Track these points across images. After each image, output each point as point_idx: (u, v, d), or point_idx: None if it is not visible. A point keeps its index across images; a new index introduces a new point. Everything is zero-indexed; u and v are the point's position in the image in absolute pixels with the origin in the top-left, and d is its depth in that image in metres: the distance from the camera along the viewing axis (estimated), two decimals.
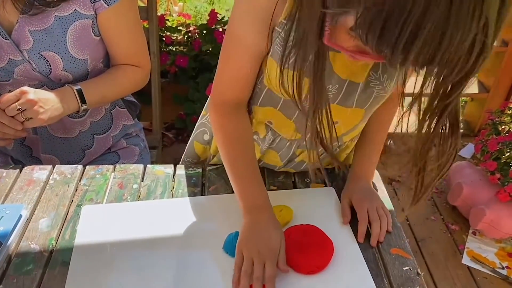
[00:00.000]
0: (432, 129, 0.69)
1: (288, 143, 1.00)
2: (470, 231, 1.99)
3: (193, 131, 1.17)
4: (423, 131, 0.69)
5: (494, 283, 1.78)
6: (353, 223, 0.94)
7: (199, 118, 1.16)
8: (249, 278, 0.79)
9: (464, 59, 0.54)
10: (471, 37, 0.52)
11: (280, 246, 0.84)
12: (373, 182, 1.05)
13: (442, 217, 2.10)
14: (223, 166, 1.08)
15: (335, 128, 0.79)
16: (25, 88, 0.99)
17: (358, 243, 0.91)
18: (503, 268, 1.82)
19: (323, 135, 0.78)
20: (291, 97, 0.77)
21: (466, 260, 1.87)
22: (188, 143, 1.19)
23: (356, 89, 0.86)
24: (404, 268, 0.87)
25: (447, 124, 0.69)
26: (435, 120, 0.68)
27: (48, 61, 1.05)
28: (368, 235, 0.93)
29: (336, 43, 0.64)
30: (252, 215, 0.88)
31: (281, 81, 0.78)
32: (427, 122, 0.68)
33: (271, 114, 0.96)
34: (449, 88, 0.63)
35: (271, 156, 1.05)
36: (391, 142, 2.56)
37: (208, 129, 1.13)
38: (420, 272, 0.86)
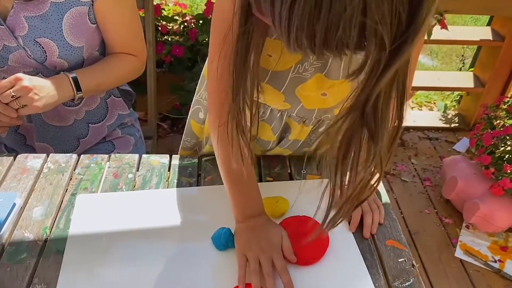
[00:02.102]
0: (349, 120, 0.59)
1: (279, 114, 0.98)
2: (464, 224, 2.00)
3: (190, 107, 1.16)
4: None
5: (486, 276, 1.79)
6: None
7: (195, 94, 1.14)
8: (258, 276, 0.79)
9: (356, 46, 0.49)
10: (354, 19, 0.46)
11: (282, 238, 0.84)
12: None
13: (436, 210, 2.11)
14: None
15: (258, 123, 0.78)
16: (20, 74, 0.98)
17: (354, 235, 0.91)
18: (495, 261, 1.84)
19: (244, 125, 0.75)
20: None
21: (459, 253, 1.88)
22: (187, 122, 1.19)
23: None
24: (399, 260, 0.87)
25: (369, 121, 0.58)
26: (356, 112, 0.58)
27: (43, 48, 1.04)
28: (361, 226, 0.93)
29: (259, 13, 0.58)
30: (247, 221, 0.87)
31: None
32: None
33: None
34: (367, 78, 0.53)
35: (264, 130, 1.04)
36: None
37: (202, 106, 1.11)
38: (415, 264, 0.87)
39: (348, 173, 0.64)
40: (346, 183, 0.65)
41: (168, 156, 1.09)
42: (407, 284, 0.83)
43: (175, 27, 2.27)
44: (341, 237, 0.90)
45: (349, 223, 0.93)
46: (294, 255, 0.83)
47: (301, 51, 0.52)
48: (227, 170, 0.90)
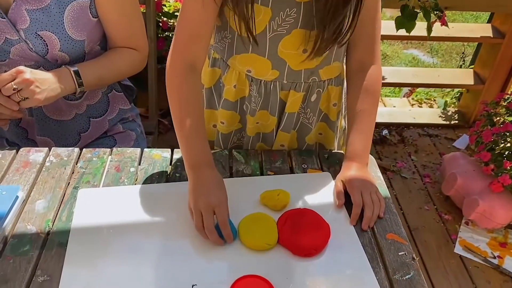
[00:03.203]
0: None
1: (272, 86, 1.04)
2: (463, 221, 2.01)
3: None
4: None
5: (485, 272, 1.80)
6: (350, 208, 0.95)
7: None
8: (203, 231, 0.84)
9: None
10: None
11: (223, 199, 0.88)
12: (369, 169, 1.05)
13: (435, 206, 2.11)
14: (221, 151, 1.09)
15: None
16: (22, 67, 0.98)
17: (355, 227, 0.92)
18: (494, 257, 1.85)
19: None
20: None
21: (458, 249, 1.89)
22: None
23: (311, 7, 0.92)
24: (400, 253, 0.88)
25: None
26: None
27: (45, 41, 1.04)
28: (360, 218, 0.93)
29: None
30: (195, 172, 0.91)
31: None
32: None
33: (247, 60, 1.02)
34: None
35: (263, 120, 1.09)
36: (386, 132, 2.57)
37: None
38: (415, 257, 0.87)
39: None
40: None
41: (169, 150, 1.09)
42: (407, 277, 0.83)
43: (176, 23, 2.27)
44: (342, 229, 0.91)
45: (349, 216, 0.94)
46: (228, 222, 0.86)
47: None
48: (177, 117, 0.96)
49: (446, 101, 2.81)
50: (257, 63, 1.01)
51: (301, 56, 0.99)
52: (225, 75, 1.08)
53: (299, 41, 0.96)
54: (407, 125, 2.64)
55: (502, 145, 1.82)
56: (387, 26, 1.82)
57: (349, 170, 0.99)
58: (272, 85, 1.04)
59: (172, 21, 2.27)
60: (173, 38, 0.98)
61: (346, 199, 0.96)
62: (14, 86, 0.96)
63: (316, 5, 0.91)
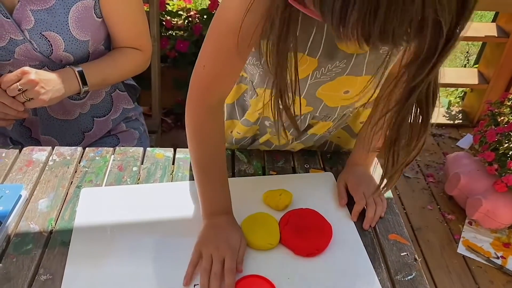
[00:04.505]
0: (398, 112, 0.67)
1: (302, 118, 0.96)
2: (466, 221, 2.00)
3: None
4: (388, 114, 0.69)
5: (488, 272, 1.80)
6: (352, 208, 0.95)
7: None
8: (208, 276, 0.78)
9: (413, 36, 0.51)
10: (415, 11, 0.48)
11: (240, 245, 0.83)
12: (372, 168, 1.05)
13: (438, 206, 2.11)
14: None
15: (300, 99, 0.78)
16: (27, 68, 0.98)
17: (357, 227, 0.92)
18: (498, 257, 1.84)
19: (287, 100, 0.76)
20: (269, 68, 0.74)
21: (461, 250, 1.88)
22: None
23: (364, 59, 0.83)
24: (402, 254, 0.88)
25: (418, 111, 0.68)
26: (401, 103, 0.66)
27: (49, 42, 1.05)
28: (362, 218, 0.93)
29: (297, 3, 0.60)
30: (212, 219, 0.87)
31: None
32: (393, 107, 0.68)
33: None
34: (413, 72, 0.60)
35: (282, 135, 1.02)
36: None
37: None
38: (417, 258, 0.87)
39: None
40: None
41: (172, 149, 1.10)
42: (409, 277, 0.84)
43: (179, 22, 2.27)
44: (344, 229, 0.91)
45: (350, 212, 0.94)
46: (242, 264, 0.81)
47: (353, 40, 0.52)
48: (199, 162, 0.89)
49: (450, 101, 2.80)
50: None
51: (341, 96, 0.91)
52: (253, 99, 0.99)
53: (343, 86, 0.88)
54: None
55: (506, 145, 1.82)
56: None
57: (353, 170, 1.00)
58: (302, 117, 0.96)
59: (175, 20, 2.27)
60: (193, 75, 0.85)
61: (348, 199, 0.96)
62: (19, 87, 0.97)
63: (370, 57, 0.82)
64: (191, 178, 1.01)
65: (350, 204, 0.96)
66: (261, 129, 1.07)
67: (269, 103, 0.78)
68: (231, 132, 1.11)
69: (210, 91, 0.85)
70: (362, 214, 0.94)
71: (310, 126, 1.02)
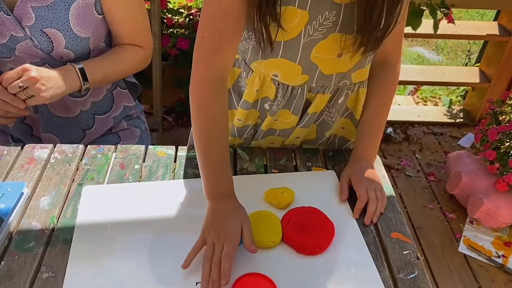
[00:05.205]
0: None
1: (299, 90, 0.98)
2: (467, 219, 2.00)
3: None
4: None
5: (489, 271, 1.80)
6: (354, 205, 0.95)
7: None
8: (209, 264, 0.79)
9: None
10: None
11: (243, 228, 0.83)
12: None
13: (439, 205, 2.11)
14: None
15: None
16: (27, 65, 0.98)
17: (359, 226, 0.91)
18: (499, 256, 1.84)
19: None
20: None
21: (462, 248, 1.88)
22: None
23: (353, 12, 0.84)
24: (404, 252, 0.88)
25: None
26: None
27: (50, 38, 1.04)
28: (363, 216, 0.93)
29: None
30: (215, 202, 0.87)
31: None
32: None
33: (275, 65, 0.94)
34: None
35: (283, 117, 1.04)
36: (391, 130, 2.57)
37: None
38: (419, 256, 0.87)
39: None
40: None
41: (174, 147, 1.09)
42: (411, 276, 0.83)
43: (180, 20, 2.27)
44: (347, 228, 0.91)
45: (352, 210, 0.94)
46: (254, 244, 0.82)
47: None
48: (202, 143, 0.90)
49: (451, 99, 2.80)
50: (286, 68, 0.93)
51: (335, 61, 0.92)
52: (248, 78, 1.00)
53: (336, 45, 0.89)
54: (411, 123, 2.63)
55: (507, 143, 1.82)
56: None
57: (356, 167, 1.00)
58: (299, 88, 0.98)
59: (176, 17, 2.27)
60: (195, 48, 0.89)
61: (350, 195, 0.96)
62: (20, 84, 0.96)
63: (358, 10, 0.83)
64: (193, 176, 1.01)
65: (352, 201, 0.96)
66: (261, 115, 1.07)
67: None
68: (232, 122, 1.11)
69: (212, 61, 0.88)
70: (364, 212, 0.94)
71: (308, 104, 1.02)
